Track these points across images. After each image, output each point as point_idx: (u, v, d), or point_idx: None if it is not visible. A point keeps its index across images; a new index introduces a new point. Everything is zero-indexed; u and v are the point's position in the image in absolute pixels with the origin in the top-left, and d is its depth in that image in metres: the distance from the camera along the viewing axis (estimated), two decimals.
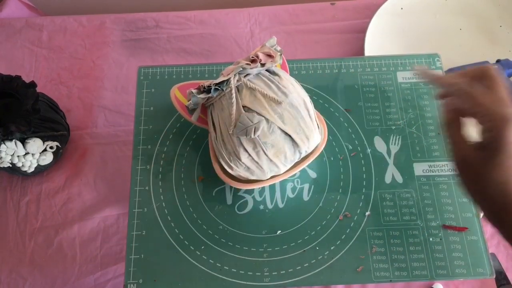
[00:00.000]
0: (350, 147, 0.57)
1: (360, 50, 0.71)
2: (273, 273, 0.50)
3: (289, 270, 0.50)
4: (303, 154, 0.49)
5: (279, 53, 0.49)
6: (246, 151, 0.46)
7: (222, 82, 0.48)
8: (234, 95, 0.47)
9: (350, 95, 0.60)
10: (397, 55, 0.63)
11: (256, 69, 0.48)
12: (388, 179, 0.55)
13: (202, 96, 0.49)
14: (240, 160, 0.47)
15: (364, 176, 0.56)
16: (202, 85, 0.49)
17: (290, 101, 0.47)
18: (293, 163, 0.50)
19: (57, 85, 0.72)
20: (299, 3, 0.80)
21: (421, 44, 0.75)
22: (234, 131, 0.46)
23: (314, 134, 0.48)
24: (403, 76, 0.61)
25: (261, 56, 0.48)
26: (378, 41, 0.73)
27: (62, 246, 0.60)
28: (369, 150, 0.57)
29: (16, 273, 0.59)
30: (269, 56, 0.49)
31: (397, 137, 0.58)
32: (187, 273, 0.50)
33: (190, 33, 0.77)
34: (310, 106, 0.49)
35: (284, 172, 0.50)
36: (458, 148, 0.38)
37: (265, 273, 0.50)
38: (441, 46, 0.75)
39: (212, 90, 0.48)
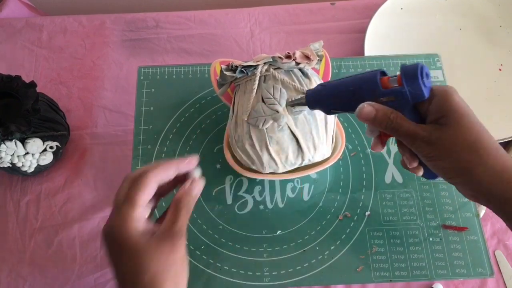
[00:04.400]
0: (350, 147, 0.57)
1: (360, 50, 0.71)
2: (273, 273, 0.50)
3: (289, 270, 0.50)
4: (306, 162, 0.49)
5: (318, 58, 0.49)
6: (251, 139, 0.47)
7: (250, 66, 0.48)
8: (256, 82, 0.47)
9: None
10: (397, 55, 0.63)
11: (287, 65, 0.48)
12: (388, 179, 0.55)
13: (228, 73, 0.49)
14: (244, 146, 0.47)
15: (364, 176, 0.56)
16: (232, 64, 0.50)
17: None
18: (294, 167, 0.49)
19: (57, 85, 0.72)
20: (299, 3, 0.80)
21: (421, 44, 0.75)
22: (247, 117, 0.47)
23: (323, 146, 0.48)
24: None
25: (297, 54, 0.48)
26: (378, 41, 0.73)
27: (62, 246, 0.60)
28: (369, 150, 0.57)
29: (16, 273, 0.59)
30: (306, 57, 0.49)
31: None
32: None
33: (190, 33, 0.77)
34: (331, 119, 0.49)
35: (284, 173, 0.50)
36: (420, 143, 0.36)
37: (265, 273, 0.50)
38: (441, 46, 0.75)
39: (237, 71, 0.48)
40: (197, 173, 0.39)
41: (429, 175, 0.40)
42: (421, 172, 0.40)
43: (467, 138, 0.34)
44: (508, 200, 0.34)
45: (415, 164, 0.39)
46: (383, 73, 0.38)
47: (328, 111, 0.42)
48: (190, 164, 0.38)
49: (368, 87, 0.38)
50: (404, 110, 0.37)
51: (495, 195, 0.34)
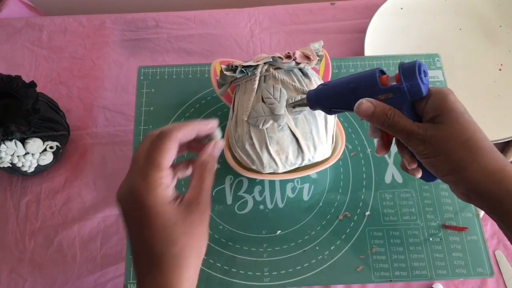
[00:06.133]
0: (350, 147, 0.57)
1: (360, 50, 0.71)
2: (273, 273, 0.50)
3: (289, 270, 0.50)
4: (306, 162, 0.49)
5: (318, 58, 0.49)
6: (251, 139, 0.47)
7: (250, 66, 0.48)
8: (256, 82, 0.47)
9: None
10: (397, 55, 0.63)
11: (287, 65, 0.48)
12: (388, 179, 0.55)
13: (228, 73, 0.49)
14: (244, 146, 0.47)
15: (364, 176, 0.56)
16: (232, 64, 0.50)
17: None
18: (294, 167, 0.49)
19: (57, 85, 0.72)
20: (299, 3, 0.80)
21: (421, 44, 0.75)
22: (247, 117, 0.47)
23: (323, 146, 0.48)
24: None
25: (297, 54, 0.48)
26: (378, 41, 0.73)
27: (62, 246, 0.60)
28: (369, 150, 0.57)
29: (16, 273, 0.59)
30: (306, 57, 0.49)
31: None
32: None
33: (190, 33, 0.77)
34: (331, 119, 0.49)
35: (284, 173, 0.50)
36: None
37: (265, 273, 0.50)
38: (441, 46, 0.75)
39: (237, 71, 0.48)
40: (218, 135, 0.38)
41: (428, 177, 0.40)
42: (419, 174, 0.40)
43: (461, 136, 0.35)
44: (500, 200, 0.34)
45: (414, 166, 0.39)
46: (382, 72, 0.39)
47: (328, 111, 0.42)
48: (212, 127, 0.37)
49: (367, 84, 0.38)
50: (402, 108, 0.37)
51: (487, 195, 0.34)
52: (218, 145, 0.36)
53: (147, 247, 0.31)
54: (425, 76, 0.36)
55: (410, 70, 0.36)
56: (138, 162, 0.33)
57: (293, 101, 0.45)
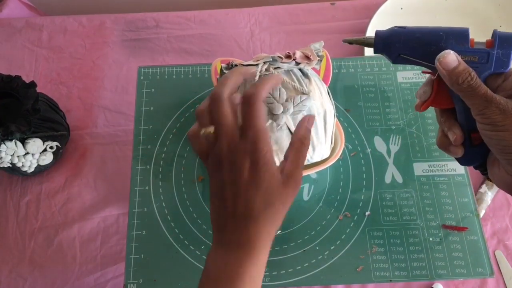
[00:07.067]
0: (350, 147, 0.57)
1: (360, 50, 0.71)
2: (273, 273, 0.50)
3: (289, 270, 0.50)
4: (305, 162, 0.49)
5: (318, 59, 0.49)
6: None
7: (249, 65, 0.48)
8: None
9: (350, 95, 0.60)
10: None
11: (287, 65, 0.48)
12: (388, 179, 0.55)
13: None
14: None
15: (364, 176, 0.56)
16: (232, 62, 0.50)
17: (310, 106, 0.46)
18: None
19: (57, 85, 0.72)
20: (299, 3, 0.80)
21: None
22: None
23: (322, 146, 0.48)
24: (403, 76, 0.61)
25: (297, 54, 0.48)
26: None
27: (62, 246, 0.60)
28: (369, 150, 0.57)
29: (16, 273, 0.59)
30: (307, 57, 0.49)
31: (397, 137, 0.58)
32: (187, 273, 0.50)
33: (190, 33, 0.77)
34: (330, 119, 0.49)
35: None
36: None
37: (265, 273, 0.50)
38: None
39: None
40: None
41: (467, 160, 0.39)
42: (461, 153, 0.38)
43: None
44: None
45: (461, 141, 0.38)
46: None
47: (395, 58, 0.38)
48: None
49: (456, 38, 0.36)
50: (479, 77, 0.35)
51: None
52: (311, 119, 0.39)
53: (251, 205, 0.35)
54: None
55: (508, 39, 0.34)
56: (232, 124, 0.35)
57: (354, 38, 0.41)
